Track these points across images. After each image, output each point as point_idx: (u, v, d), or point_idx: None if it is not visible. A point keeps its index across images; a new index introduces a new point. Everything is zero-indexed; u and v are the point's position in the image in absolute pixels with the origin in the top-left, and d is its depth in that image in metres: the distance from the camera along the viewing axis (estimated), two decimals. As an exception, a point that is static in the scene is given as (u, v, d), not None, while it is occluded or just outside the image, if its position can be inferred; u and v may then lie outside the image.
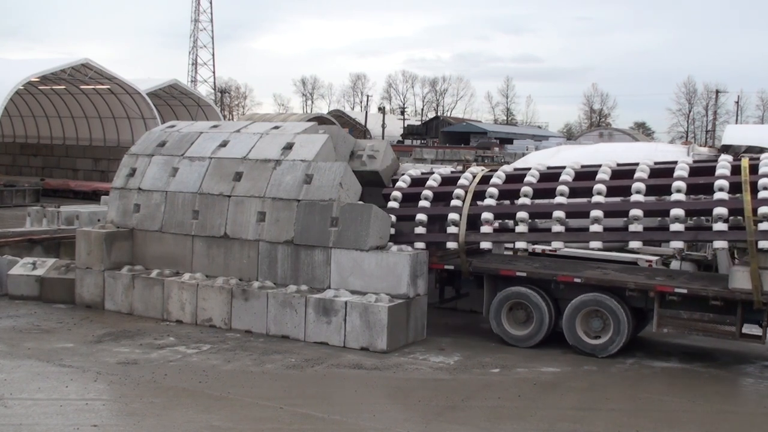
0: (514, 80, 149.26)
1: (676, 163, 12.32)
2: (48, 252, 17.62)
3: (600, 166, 12.70)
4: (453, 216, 12.80)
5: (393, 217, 13.16)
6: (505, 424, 8.87)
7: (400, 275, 12.16)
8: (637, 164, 12.47)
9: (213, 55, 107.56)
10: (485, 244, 12.87)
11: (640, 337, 13.36)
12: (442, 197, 13.40)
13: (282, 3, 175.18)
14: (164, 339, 12.18)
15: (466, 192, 13.00)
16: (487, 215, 12.68)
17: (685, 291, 11.46)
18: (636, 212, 11.63)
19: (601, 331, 11.98)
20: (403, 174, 14.16)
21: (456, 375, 10.77)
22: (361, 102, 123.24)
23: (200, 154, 14.46)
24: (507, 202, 13.25)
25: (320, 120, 35.32)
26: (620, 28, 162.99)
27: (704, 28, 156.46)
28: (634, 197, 11.81)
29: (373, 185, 14.98)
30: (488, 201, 12.82)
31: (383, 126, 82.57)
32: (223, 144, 14.45)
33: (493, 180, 13.08)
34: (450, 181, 13.61)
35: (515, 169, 13.59)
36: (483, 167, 14.65)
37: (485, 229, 12.70)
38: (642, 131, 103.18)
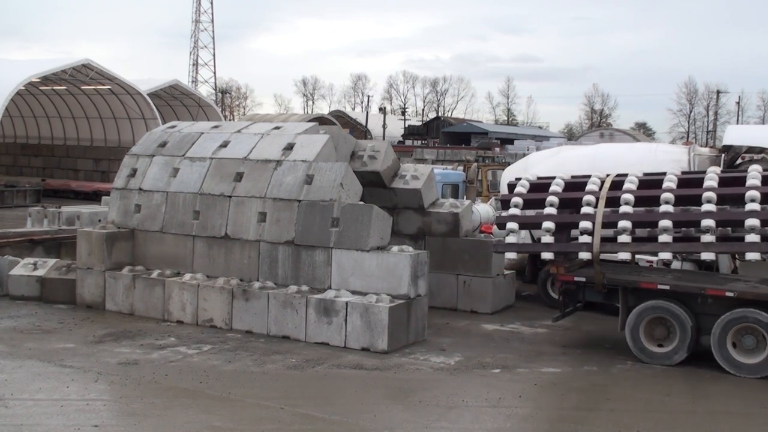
0: (514, 80, 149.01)
1: None
2: (49, 252, 17.64)
3: (747, 170, 11.85)
4: (585, 224, 11.89)
5: (515, 224, 12.41)
6: (506, 425, 8.88)
7: (401, 276, 12.16)
8: None
9: (214, 55, 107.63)
10: (623, 255, 11.98)
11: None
12: (567, 204, 12.47)
13: (282, 3, 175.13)
14: (165, 339, 12.19)
15: (597, 198, 12.07)
16: (625, 223, 11.66)
17: None
18: None
19: (754, 349, 11.04)
20: (519, 179, 13.23)
21: (457, 375, 10.77)
22: (361, 102, 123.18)
23: (201, 154, 14.48)
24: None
25: (321, 120, 35.29)
26: (620, 28, 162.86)
27: (705, 28, 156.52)
28: None
29: (374, 186, 15.01)
30: (624, 208, 11.80)
31: (384, 126, 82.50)
32: (224, 144, 14.47)
33: (627, 185, 12.10)
34: (575, 186, 12.65)
35: (645, 174, 12.57)
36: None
37: (623, 238, 11.69)
38: (643, 131, 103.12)
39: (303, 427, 8.58)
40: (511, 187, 13.16)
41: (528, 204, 12.78)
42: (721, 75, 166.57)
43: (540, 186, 12.92)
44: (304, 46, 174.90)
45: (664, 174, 12.31)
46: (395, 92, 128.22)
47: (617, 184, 12.31)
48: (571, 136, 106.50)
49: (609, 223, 11.91)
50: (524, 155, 29.92)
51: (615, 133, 77.75)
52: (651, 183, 12.25)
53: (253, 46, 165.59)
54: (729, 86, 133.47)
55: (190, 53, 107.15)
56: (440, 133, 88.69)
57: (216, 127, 15.46)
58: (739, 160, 16.52)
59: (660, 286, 11.64)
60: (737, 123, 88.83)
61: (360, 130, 79.27)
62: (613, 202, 12.05)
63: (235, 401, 9.26)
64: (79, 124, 45.09)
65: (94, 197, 35.53)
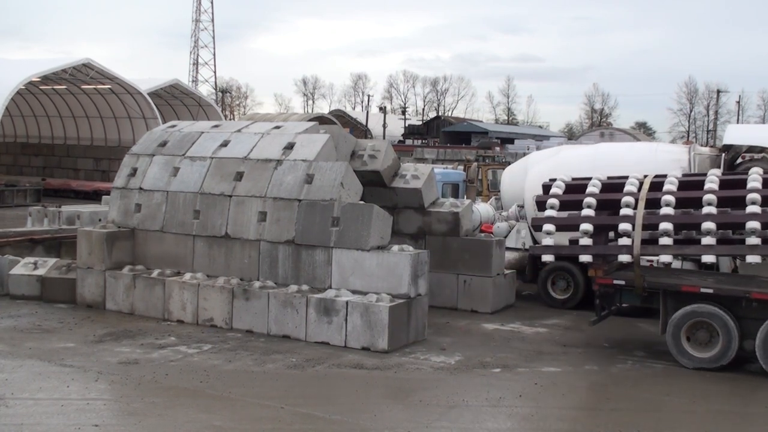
0: (514, 80, 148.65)
1: None
2: (49, 252, 17.64)
3: None
4: (625, 226, 11.66)
5: (553, 226, 12.10)
6: (507, 424, 8.88)
7: (401, 275, 12.16)
8: None
9: (214, 54, 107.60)
10: (665, 258, 11.72)
11: (640, 337, 13.39)
12: (604, 205, 12.20)
13: (282, 3, 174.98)
14: (165, 339, 12.19)
15: (637, 200, 11.82)
16: (666, 225, 11.42)
17: None
18: None
19: None
20: (554, 179, 12.93)
21: (457, 375, 10.77)
22: (362, 102, 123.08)
23: (201, 153, 14.47)
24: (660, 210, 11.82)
25: (321, 120, 35.29)
26: (620, 28, 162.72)
27: (705, 28, 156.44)
28: None
29: (374, 185, 15.01)
30: (665, 210, 11.54)
31: (384, 126, 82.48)
32: (224, 144, 14.46)
33: (667, 186, 11.83)
34: (612, 187, 12.38)
35: (684, 175, 12.39)
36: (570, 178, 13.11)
37: (665, 240, 11.48)
38: (643, 131, 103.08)
39: (303, 426, 8.58)
40: (547, 188, 12.87)
41: (563, 206, 12.50)
42: (721, 75, 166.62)
43: (575, 187, 12.66)
44: (304, 46, 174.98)
45: (704, 175, 12.14)
46: (395, 92, 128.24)
47: (656, 185, 12.07)
48: (571, 135, 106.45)
49: (647, 225, 11.71)
50: (524, 155, 29.90)
51: (615, 133, 77.64)
52: (690, 184, 12.05)
53: (253, 45, 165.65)
54: (729, 86, 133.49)
55: (191, 53, 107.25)
56: (440, 133, 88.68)
57: (216, 126, 15.46)
58: (739, 160, 16.52)
59: (703, 290, 11.34)
60: (737, 122, 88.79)
61: (360, 130, 79.26)
62: (650, 203, 11.83)
63: (235, 401, 9.26)
64: (80, 124, 45.08)
65: (95, 197, 35.53)
